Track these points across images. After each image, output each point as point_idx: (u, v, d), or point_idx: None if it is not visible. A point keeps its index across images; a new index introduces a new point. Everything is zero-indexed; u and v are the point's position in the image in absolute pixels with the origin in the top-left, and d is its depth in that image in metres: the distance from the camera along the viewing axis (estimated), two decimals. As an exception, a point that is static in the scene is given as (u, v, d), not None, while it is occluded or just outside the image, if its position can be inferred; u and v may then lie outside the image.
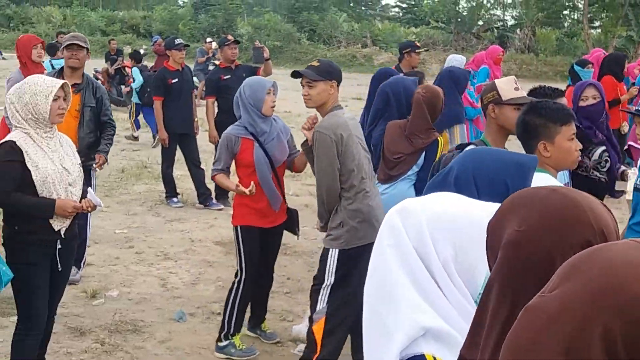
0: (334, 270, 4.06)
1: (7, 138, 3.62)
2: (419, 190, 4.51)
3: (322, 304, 4.06)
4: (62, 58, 5.96)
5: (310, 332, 4.07)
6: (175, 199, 7.62)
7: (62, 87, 3.65)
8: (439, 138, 4.69)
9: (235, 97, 4.36)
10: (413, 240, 1.29)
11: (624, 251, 0.76)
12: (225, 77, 6.98)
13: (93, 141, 5.36)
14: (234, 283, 4.51)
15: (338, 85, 4.05)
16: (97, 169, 5.53)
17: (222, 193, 7.53)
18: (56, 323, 4.15)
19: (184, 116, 7.42)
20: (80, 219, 4.82)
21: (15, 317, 3.77)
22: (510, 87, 3.31)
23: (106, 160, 5.50)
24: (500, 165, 1.83)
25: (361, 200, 3.99)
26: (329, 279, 4.08)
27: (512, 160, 1.89)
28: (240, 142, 4.28)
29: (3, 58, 27.37)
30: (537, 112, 2.74)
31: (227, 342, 4.49)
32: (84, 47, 5.37)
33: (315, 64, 4.17)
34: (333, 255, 4.06)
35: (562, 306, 0.76)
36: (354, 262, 4.05)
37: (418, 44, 7.77)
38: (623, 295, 0.72)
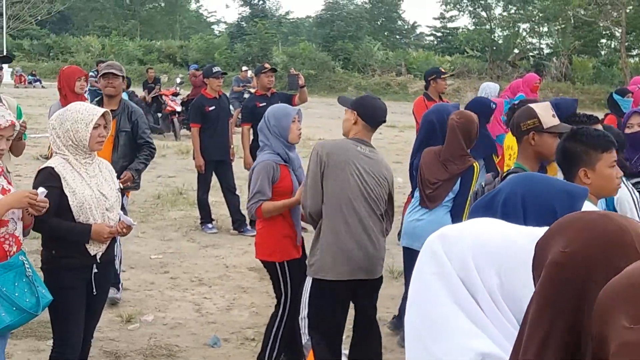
0: (307, 301, 3.95)
1: (47, 164, 3.69)
2: (455, 217, 4.43)
3: (305, 337, 3.95)
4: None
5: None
6: (210, 225, 7.68)
7: (103, 115, 3.71)
8: (474, 164, 4.63)
9: (261, 125, 4.29)
10: (457, 269, 1.28)
11: None
12: (261, 105, 6.99)
13: (127, 165, 5.38)
14: (276, 314, 4.38)
15: (366, 122, 3.90)
16: (121, 185, 5.19)
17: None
18: (92, 347, 4.15)
19: (220, 143, 7.55)
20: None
21: (51, 341, 3.78)
22: (549, 114, 3.28)
23: (133, 177, 5.36)
24: (551, 192, 1.84)
25: (338, 231, 3.82)
26: (304, 310, 3.97)
27: (562, 189, 1.91)
28: (280, 169, 4.21)
29: (42, 86, 27.97)
30: (578, 139, 2.72)
31: None
32: (119, 75, 5.48)
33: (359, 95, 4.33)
34: (307, 283, 3.98)
35: (607, 299, 0.80)
36: (328, 296, 3.91)
37: (443, 70, 7.79)
38: None
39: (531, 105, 3.63)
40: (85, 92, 6.43)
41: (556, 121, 3.31)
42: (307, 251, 4.26)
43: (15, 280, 3.44)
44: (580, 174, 2.68)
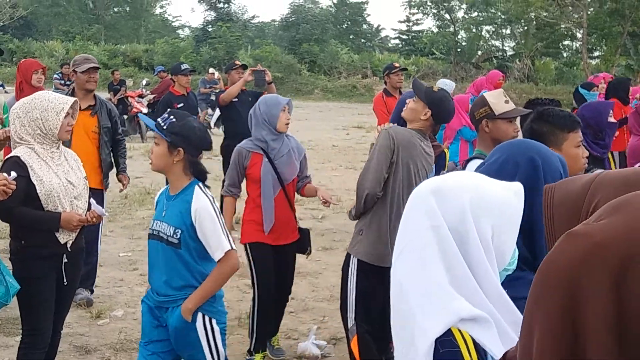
0: (355, 281, 3.92)
1: (12, 154, 3.63)
2: None
3: (351, 321, 3.94)
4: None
5: (349, 347, 3.98)
6: None
7: (74, 103, 3.70)
8: (445, 150, 5.19)
9: (250, 113, 4.41)
10: (451, 222, 1.32)
11: None
12: (232, 101, 7.16)
13: (110, 160, 5.52)
14: (252, 300, 4.46)
15: (434, 119, 3.79)
16: (124, 189, 5.76)
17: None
18: (62, 342, 4.12)
19: None
20: (90, 242, 4.91)
21: (20, 337, 3.72)
22: (500, 101, 3.34)
23: (128, 178, 5.77)
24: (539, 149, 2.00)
25: (387, 218, 3.78)
26: (352, 292, 3.93)
27: (544, 148, 2.05)
28: (251, 156, 4.29)
29: (6, 91, 28.58)
30: (545, 119, 2.74)
31: (250, 357, 4.49)
32: (98, 68, 5.48)
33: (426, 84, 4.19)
34: (353, 263, 3.94)
35: (611, 234, 0.77)
36: (376, 278, 3.82)
37: (397, 65, 7.87)
38: None
39: (485, 93, 3.74)
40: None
41: (508, 107, 3.35)
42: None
43: None
44: None
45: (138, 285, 6.23)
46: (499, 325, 1.37)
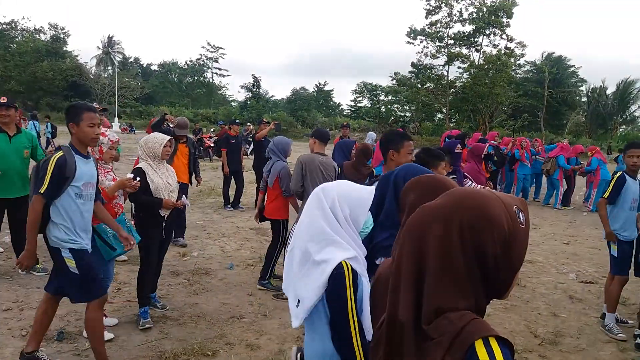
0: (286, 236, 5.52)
1: (137, 166, 4.58)
2: None
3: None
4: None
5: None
6: (228, 206, 10.44)
7: (169, 140, 4.68)
8: (373, 170, 6.39)
9: (270, 147, 5.85)
10: (329, 205, 1.82)
11: (477, 188, 1.15)
12: (262, 140, 10.23)
13: (192, 170, 7.62)
14: (272, 249, 5.78)
15: (320, 141, 5.63)
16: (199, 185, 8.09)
17: (233, 200, 10.53)
18: (162, 268, 5.22)
19: (236, 160, 10.47)
20: (182, 214, 6.77)
21: (139, 266, 4.77)
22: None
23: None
24: (411, 170, 2.54)
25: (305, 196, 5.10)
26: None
27: (421, 169, 2.61)
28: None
29: (135, 132, 40.52)
30: (427, 153, 3.84)
31: (267, 281, 5.82)
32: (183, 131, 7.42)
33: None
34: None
35: (443, 204, 1.12)
36: None
37: (345, 123, 11.53)
38: (471, 202, 1.08)
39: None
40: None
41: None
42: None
43: (122, 228, 4.17)
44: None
45: (206, 239, 7.90)
46: (362, 262, 1.82)
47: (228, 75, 71.20)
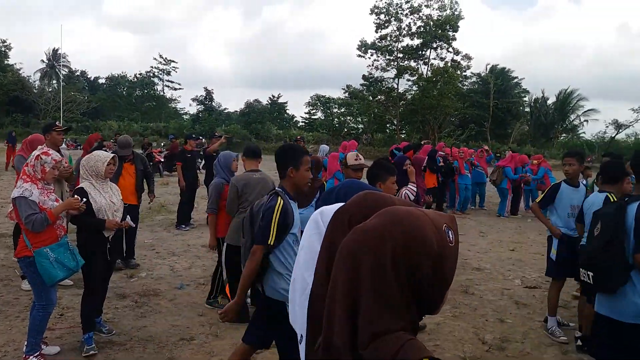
0: (224, 254, 5.36)
1: (79, 186, 4.48)
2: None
3: (224, 277, 5.36)
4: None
5: (225, 290, 5.26)
6: (182, 226, 10.15)
7: (113, 158, 4.59)
8: (324, 182, 6.35)
9: (215, 163, 5.96)
10: (325, 224, 1.62)
11: (409, 208, 1.16)
12: (213, 154, 9.99)
13: (142, 187, 7.29)
14: (217, 268, 5.78)
15: (249, 158, 5.51)
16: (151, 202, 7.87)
17: (188, 218, 10.30)
18: (108, 291, 5.24)
19: (192, 175, 10.37)
20: (131, 234, 6.51)
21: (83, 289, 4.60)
22: (352, 158, 4.81)
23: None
24: (353, 187, 2.54)
25: (241, 217, 4.96)
26: (223, 261, 5.37)
27: (364, 185, 2.71)
28: (224, 187, 5.61)
29: (82, 149, 37.99)
30: (379, 166, 3.88)
31: (212, 299, 5.77)
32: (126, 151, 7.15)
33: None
34: (224, 248, 5.37)
35: (376, 225, 1.12)
36: (234, 252, 4.95)
37: (299, 137, 11.97)
38: (402, 225, 1.09)
39: (348, 154, 5.10)
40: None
41: (356, 162, 4.71)
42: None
43: (64, 251, 4.18)
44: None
45: (155, 259, 7.75)
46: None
47: (180, 88, 69.71)
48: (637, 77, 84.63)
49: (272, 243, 3.26)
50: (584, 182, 6.54)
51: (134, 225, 5.19)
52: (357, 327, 1.09)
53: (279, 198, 3.34)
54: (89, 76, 70.36)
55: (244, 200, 5.25)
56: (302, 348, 1.65)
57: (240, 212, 5.23)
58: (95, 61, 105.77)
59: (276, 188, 3.48)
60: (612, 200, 4.77)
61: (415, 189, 5.88)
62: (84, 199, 4.26)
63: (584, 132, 53.59)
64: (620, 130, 44.81)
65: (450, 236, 1.14)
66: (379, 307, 1.07)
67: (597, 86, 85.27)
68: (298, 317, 1.71)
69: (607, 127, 46.34)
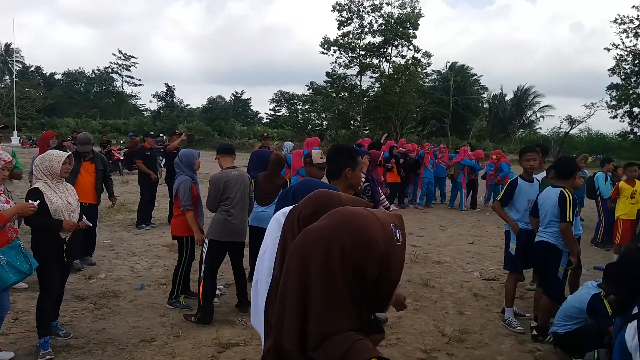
0: (205, 250, 5.32)
1: (33, 186, 4.31)
2: (277, 208, 6.04)
3: (202, 273, 5.37)
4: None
5: (199, 287, 5.34)
6: (144, 225, 9.88)
7: (68, 157, 4.45)
8: (287, 179, 6.52)
9: (176, 160, 5.74)
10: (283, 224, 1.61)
11: (357, 208, 1.16)
12: (173, 151, 9.83)
13: (102, 187, 7.11)
14: (177, 268, 5.71)
15: (224, 155, 5.51)
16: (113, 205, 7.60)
17: (148, 217, 10.05)
18: (66, 293, 5.09)
19: (153, 172, 9.97)
20: (90, 234, 6.40)
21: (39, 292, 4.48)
22: (317, 157, 4.61)
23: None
24: (309, 185, 2.61)
25: (222, 214, 5.33)
26: (204, 257, 5.32)
27: (319, 184, 2.80)
28: (192, 184, 5.60)
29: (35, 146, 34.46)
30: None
31: (174, 299, 5.73)
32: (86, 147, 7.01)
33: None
34: (205, 243, 5.38)
35: (324, 227, 1.12)
36: (216, 248, 5.17)
37: (265, 134, 11.71)
38: (350, 226, 1.09)
39: (312, 150, 4.85)
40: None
41: (321, 160, 4.50)
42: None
43: (16, 254, 4.09)
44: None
45: (114, 259, 7.55)
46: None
47: (140, 84, 67.69)
48: (590, 74, 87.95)
49: None
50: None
51: (91, 225, 5.07)
52: (307, 329, 1.08)
53: None
54: (44, 72, 67.74)
55: (225, 197, 5.31)
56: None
57: (220, 207, 5.33)
58: (51, 56, 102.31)
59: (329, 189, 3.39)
60: (566, 194, 4.96)
61: (364, 179, 5.90)
62: (38, 201, 4.12)
63: (540, 128, 55.20)
64: (574, 126, 46.43)
65: (398, 235, 1.15)
66: (327, 309, 1.07)
67: (552, 83, 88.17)
68: (259, 320, 1.68)
69: (562, 122, 47.95)
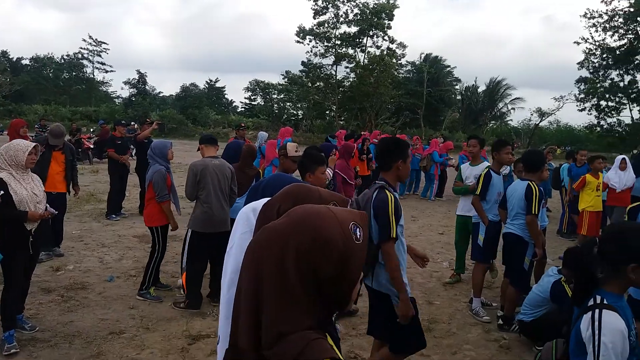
0: (188, 241, 5.40)
1: None
2: (248, 200, 6.45)
3: (184, 264, 5.40)
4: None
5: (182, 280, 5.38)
6: (113, 216, 9.71)
7: (34, 147, 4.37)
8: (260, 171, 6.47)
9: (149, 152, 5.75)
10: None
11: (317, 207, 1.15)
12: (144, 140, 9.66)
13: (71, 177, 7.12)
14: (150, 260, 5.71)
15: (207, 145, 5.57)
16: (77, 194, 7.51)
17: (118, 207, 9.94)
18: (32, 285, 4.97)
19: (123, 163, 9.91)
20: (58, 223, 6.40)
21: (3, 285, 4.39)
22: (292, 149, 4.85)
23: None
24: (278, 181, 2.59)
25: (201, 205, 5.37)
26: (186, 248, 5.40)
27: (289, 179, 2.72)
28: (166, 174, 5.64)
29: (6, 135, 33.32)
30: (309, 158, 3.94)
31: (145, 290, 5.72)
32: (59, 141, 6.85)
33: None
34: (187, 234, 5.40)
35: (281, 225, 1.12)
36: (199, 239, 5.23)
37: (243, 124, 11.57)
38: (306, 225, 1.09)
39: (287, 142, 5.17)
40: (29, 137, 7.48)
41: (296, 154, 4.73)
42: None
43: None
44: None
45: (83, 250, 7.41)
46: None
47: (112, 70, 66.01)
48: (559, 68, 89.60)
49: (394, 236, 3.29)
50: (505, 171, 6.92)
51: (56, 212, 4.92)
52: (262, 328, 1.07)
53: (387, 192, 3.39)
54: (10, 57, 65.51)
55: (202, 185, 5.33)
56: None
57: (198, 198, 5.35)
58: (18, 41, 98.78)
59: (377, 181, 3.52)
60: (532, 187, 5.08)
61: (330, 173, 6.10)
62: (2, 192, 4.07)
63: (511, 120, 56.24)
64: (544, 118, 47.41)
65: (358, 234, 1.14)
66: (283, 307, 1.06)
67: (523, 75, 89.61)
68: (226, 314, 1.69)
69: (532, 114, 48.91)
